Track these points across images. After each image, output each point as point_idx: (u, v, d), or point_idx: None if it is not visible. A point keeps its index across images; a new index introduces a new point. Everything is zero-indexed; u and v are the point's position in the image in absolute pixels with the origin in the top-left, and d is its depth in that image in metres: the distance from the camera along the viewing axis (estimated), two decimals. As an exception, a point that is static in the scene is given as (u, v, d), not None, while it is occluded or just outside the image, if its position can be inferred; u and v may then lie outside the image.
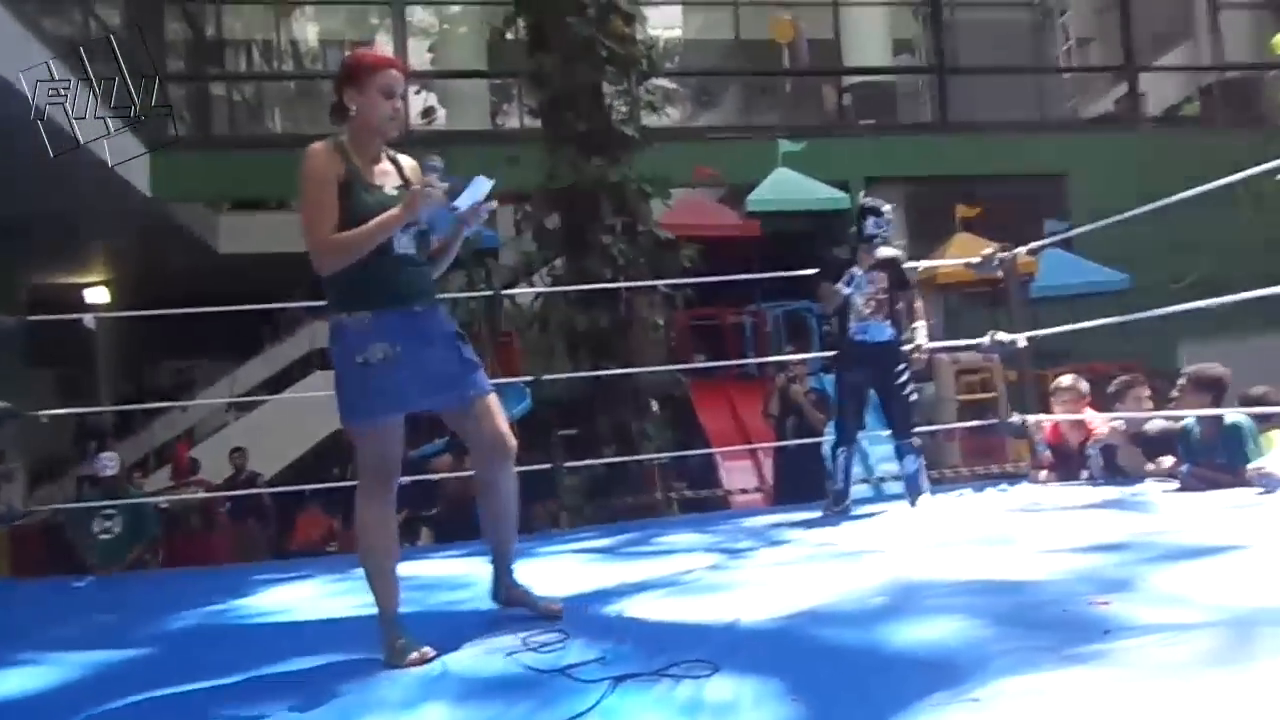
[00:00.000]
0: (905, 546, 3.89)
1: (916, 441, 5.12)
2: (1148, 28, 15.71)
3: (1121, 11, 15.45)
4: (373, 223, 2.61)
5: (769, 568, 3.71)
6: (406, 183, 2.79)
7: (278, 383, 14.22)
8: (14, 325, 5.16)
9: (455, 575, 3.87)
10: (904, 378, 5.06)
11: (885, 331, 5.04)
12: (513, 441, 2.86)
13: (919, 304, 5.22)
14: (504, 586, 3.02)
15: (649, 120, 9.21)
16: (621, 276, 8.12)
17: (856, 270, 4.99)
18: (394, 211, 2.63)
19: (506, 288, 9.25)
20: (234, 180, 12.59)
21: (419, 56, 15.15)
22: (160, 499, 8.53)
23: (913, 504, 5.02)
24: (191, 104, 14.12)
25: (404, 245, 2.70)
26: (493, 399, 2.84)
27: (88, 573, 6.57)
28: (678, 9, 16.80)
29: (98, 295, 16.13)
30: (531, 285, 8.90)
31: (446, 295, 8.98)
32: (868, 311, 5.01)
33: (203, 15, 14.57)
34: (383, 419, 2.67)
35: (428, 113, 15.25)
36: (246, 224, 14.29)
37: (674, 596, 3.21)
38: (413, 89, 14.43)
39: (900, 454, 5.12)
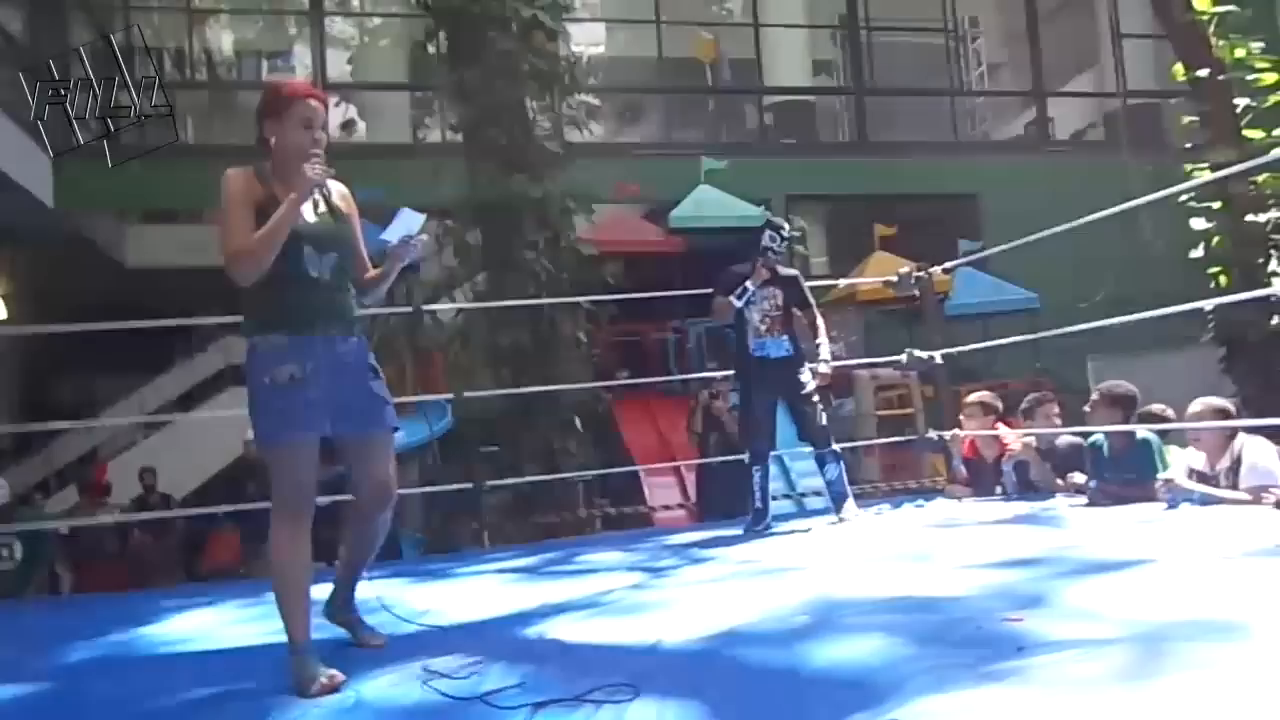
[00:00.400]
0: (826, 563, 3.91)
1: (836, 448, 5.15)
2: (1055, 55, 16.28)
3: (1030, 39, 15.98)
4: (274, 217, 2.58)
5: (691, 586, 3.69)
6: (331, 209, 2.77)
7: (189, 399, 13.78)
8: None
9: (369, 598, 3.75)
10: (809, 389, 5.08)
11: (783, 346, 5.07)
12: (395, 489, 2.87)
13: (821, 322, 5.25)
14: (338, 607, 3.02)
15: (572, 136, 9.19)
16: (544, 292, 8.07)
17: (750, 284, 5.03)
18: (290, 198, 2.60)
19: (427, 303, 9.11)
20: (143, 191, 12.18)
21: (339, 68, 14.91)
22: (56, 523, 8.13)
23: (838, 511, 5.05)
24: (100, 113, 13.63)
25: (318, 268, 2.68)
26: (389, 440, 2.85)
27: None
28: (601, 26, 16.84)
29: (-6, 309, 15.40)
30: (453, 301, 8.77)
31: (366, 311, 8.87)
32: (764, 328, 5.06)
33: (110, 21, 14.10)
34: (289, 438, 2.63)
35: (347, 125, 15.00)
36: (157, 236, 13.84)
37: (595, 618, 3.17)
38: (332, 101, 14.16)
39: (821, 463, 5.15)
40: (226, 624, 3.73)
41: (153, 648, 3.39)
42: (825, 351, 5.19)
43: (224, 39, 16.29)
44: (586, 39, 15.83)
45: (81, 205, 11.65)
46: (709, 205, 11.93)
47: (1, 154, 9.95)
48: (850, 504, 5.09)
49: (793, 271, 5.29)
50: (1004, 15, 17.14)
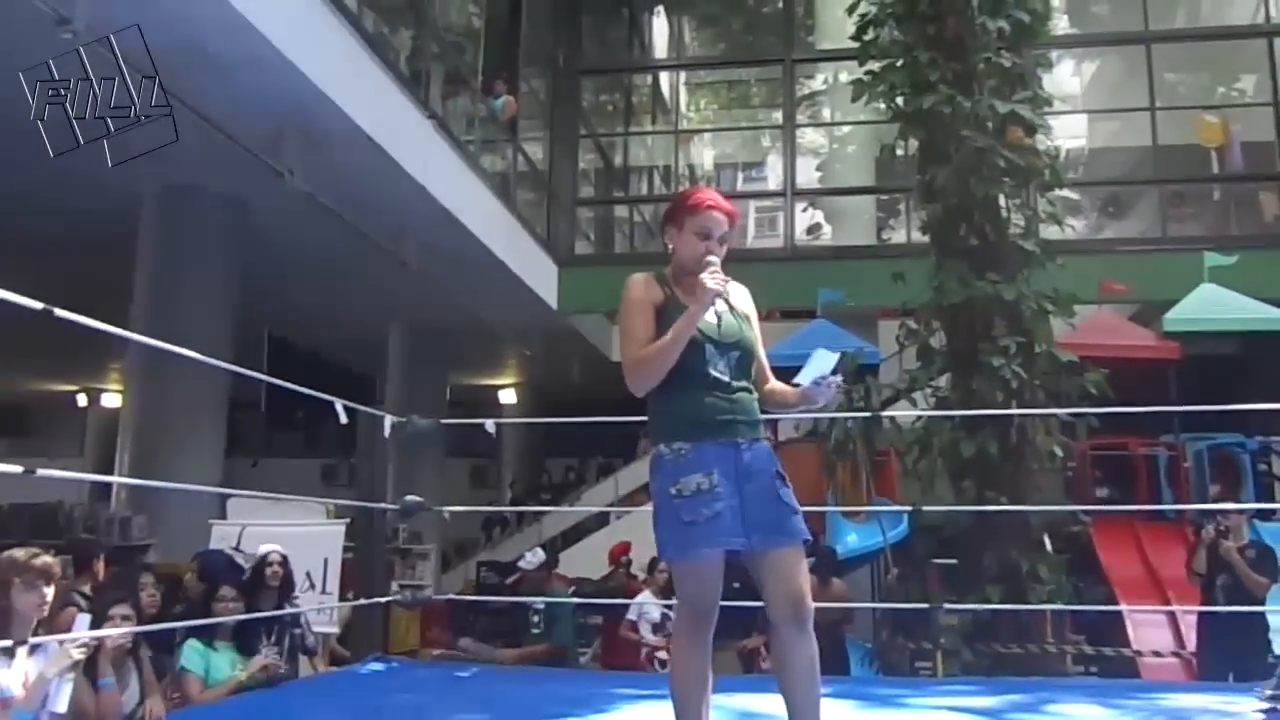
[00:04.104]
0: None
1: None
2: None
3: None
4: (673, 328, 2.58)
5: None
6: (732, 308, 2.74)
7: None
8: (432, 424, 5.70)
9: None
10: None
11: None
12: (810, 606, 2.59)
13: None
14: None
15: (1050, 234, 8.54)
16: (1013, 401, 7.46)
17: None
18: (689, 310, 2.58)
19: (886, 406, 8.87)
20: (630, 294, 13.42)
21: (807, 175, 15.44)
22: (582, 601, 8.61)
23: None
24: (596, 225, 15.44)
25: (719, 367, 2.62)
26: (798, 553, 2.62)
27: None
28: (1080, 119, 15.79)
29: (507, 396, 17.86)
30: (913, 405, 8.43)
31: (824, 414, 8.81)
32: None
33: (613, 145, 15.98)
34: (695, 555, 2.55)
35: (813, 229, 15.42)
36: (637, 333, 15.16)
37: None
38: (800, 206, 14.70)
39: None
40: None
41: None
42: None
43: (705, 155, 17.68)
44: (1065, 132, 14.89)
45: (577, 308, 13.10)
46: (1214, 305, 10.41)
47: (521, 264, 11.56)
48: None
49: None
50: None
